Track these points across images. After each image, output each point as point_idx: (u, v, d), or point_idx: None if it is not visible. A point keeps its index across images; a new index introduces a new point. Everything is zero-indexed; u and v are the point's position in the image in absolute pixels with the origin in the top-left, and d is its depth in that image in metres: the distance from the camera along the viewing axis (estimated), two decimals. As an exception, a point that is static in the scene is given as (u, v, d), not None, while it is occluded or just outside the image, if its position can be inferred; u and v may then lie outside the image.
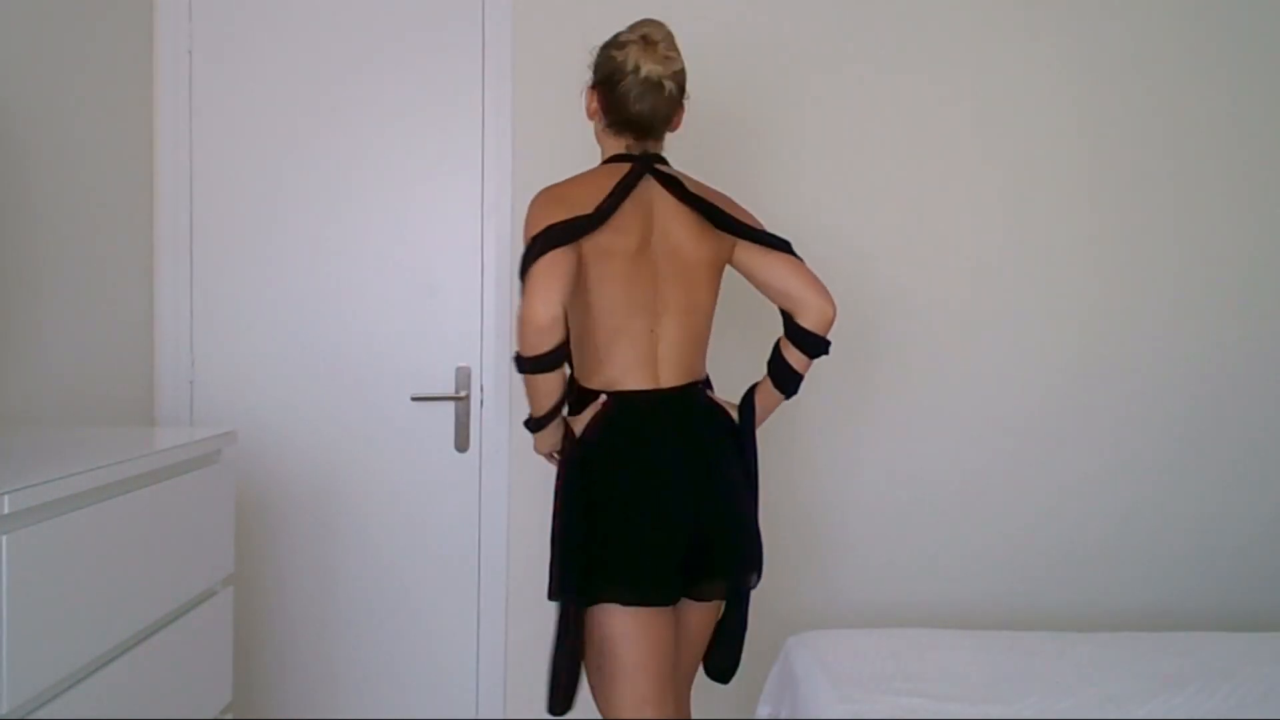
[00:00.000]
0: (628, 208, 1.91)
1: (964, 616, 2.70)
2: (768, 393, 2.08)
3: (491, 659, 2.71)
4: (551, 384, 1.85)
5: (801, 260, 2.02)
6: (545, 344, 1.77)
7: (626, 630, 1.89)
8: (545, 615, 2.44)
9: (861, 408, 2.71)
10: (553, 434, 1.97)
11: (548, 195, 1.94)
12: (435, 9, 2.65)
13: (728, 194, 2.13)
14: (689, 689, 2.16)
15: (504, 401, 2.67)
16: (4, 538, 1.29)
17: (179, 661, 1.77)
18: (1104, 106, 2.71)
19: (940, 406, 2.72)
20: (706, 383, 2.10)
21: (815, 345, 2.00)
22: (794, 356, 2.02)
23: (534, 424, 1.93)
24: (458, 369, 2.68)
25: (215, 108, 2.65)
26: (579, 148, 2.40)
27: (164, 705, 1.71)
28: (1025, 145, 2.70)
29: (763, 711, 2.35)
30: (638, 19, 2.58)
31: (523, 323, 1.76)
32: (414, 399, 2.68)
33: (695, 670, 2.15)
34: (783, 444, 2.70)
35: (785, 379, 2.05)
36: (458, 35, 2.65)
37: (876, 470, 2.72)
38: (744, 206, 2.09)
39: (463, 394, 2.69)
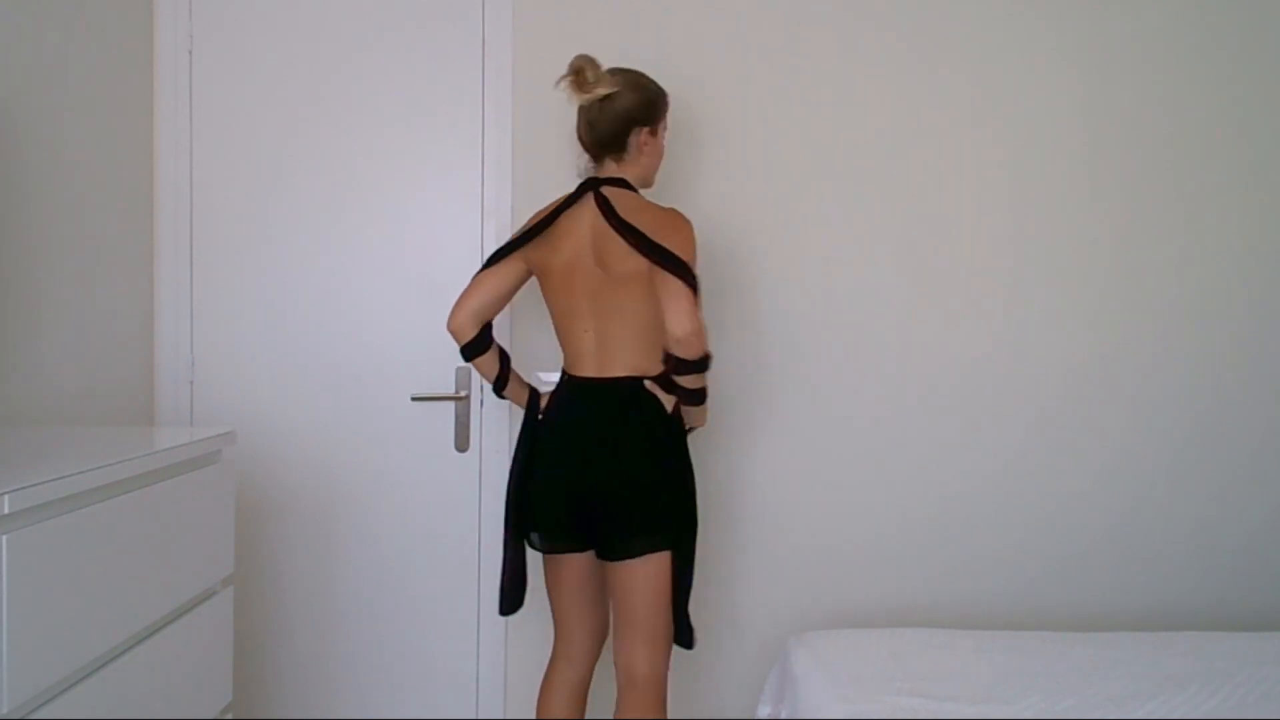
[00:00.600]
0: (563, 226, 2.24)
1: (964, 616, 2.70)
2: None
3: (491, 659, 2.71)
4: (484, 365, 2.34)
5: (687, 286, 2.07)
6: (460, 339, 2.29)
7: (545, 565, 2.33)
8: (546, 616, 2.44)
9: (860, 408, 2.71)
10: (518, 398, 2.39)
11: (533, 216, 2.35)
12: (435, 9, 2.65)
13: (677, 206, 2.37)
14: (642, 643, 2.21)
15: (504, 401, 2.67)
16: (4, 538, 1.29)
17: (179, 661, 1.77)
18: (1105, 105, 2.70)
19: (940, 406, 2.71)
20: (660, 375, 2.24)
21: (672, 363, 2.12)
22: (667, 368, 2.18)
23: (494, 390, 2.39)
24: (458, 369, 2.68)
25: (215, 107, 2.65)
26: (578, 147, 2.40)
27: (164, 705, 1.71)
28: (1025, 144, 2.70)
29: (763, 711, 2.35)
30: (636, 17, 2.62)
31: None
32: (414, 399, 2.68)
33: (646, 627, 2.20)
34: (782, 445, 2.70)
35: (671, 388, 2.19)
36: (458, 35, 2.65)
37: (876, 470, 2.72)
38: (687, 223, 2.18)
39: (463, 394, 2.69)
